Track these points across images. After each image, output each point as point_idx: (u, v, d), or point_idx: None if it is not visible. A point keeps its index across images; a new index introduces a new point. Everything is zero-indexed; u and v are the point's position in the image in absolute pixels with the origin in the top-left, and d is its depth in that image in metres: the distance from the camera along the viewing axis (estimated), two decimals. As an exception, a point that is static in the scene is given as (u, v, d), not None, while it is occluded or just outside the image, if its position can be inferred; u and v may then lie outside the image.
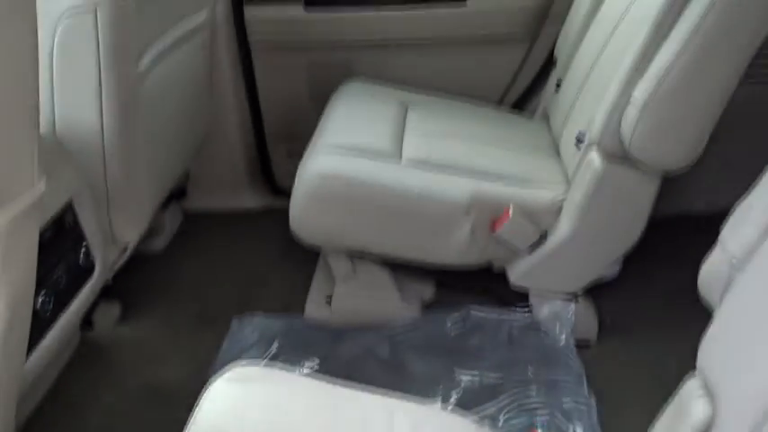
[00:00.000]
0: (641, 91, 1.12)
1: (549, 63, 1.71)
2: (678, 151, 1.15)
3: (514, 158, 1.43)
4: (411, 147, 1.39)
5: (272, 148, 1.87)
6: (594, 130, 1.22)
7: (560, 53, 1.62)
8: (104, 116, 1.14)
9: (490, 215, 1.28)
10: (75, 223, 1.12)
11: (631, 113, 1.13)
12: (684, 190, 1.51)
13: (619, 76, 1.18)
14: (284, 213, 1.35)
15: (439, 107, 1.62)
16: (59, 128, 1.14)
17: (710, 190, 1.79)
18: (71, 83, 1.12)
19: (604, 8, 1.46)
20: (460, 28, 1.70)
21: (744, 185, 1.81)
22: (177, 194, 1.77)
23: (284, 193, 1.80)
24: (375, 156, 1.33)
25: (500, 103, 1.79)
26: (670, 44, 1.09)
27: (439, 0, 1.67)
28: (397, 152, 1.37)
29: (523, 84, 1.78)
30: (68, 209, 1.10)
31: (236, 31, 1.70)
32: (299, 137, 1.61)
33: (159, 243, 1.68)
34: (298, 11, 1.69)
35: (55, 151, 1.11)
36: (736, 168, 1.74)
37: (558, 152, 1.47)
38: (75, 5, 1.06)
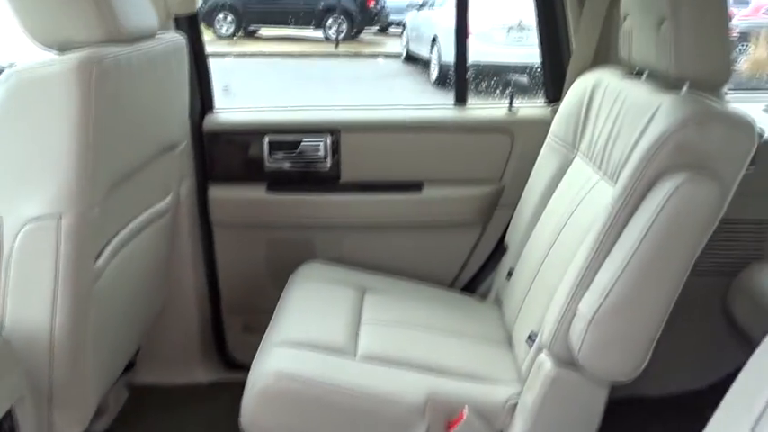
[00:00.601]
0: (586, 305, 1.17)
1: (501, 247, 1.79)
2: (626, 362, 1.19)
3: (470, 351, 1.45)
4: (367, 340, 1.40)
5: (228, 322, 1.86)
6: (545, 335, 1.26)
7: (511, 241, 1.70)
8: (57, 315, 1.13)
9: (445, 417, 1.27)
10: (12, 430, 1.07)
11: (578, 326, 1.18)
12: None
13: (565, 286, 1.23)
14: (236, 388, 1.32)
15: (395, 292, 1.66)
16: (8, 327, 1.12)
17: (663, 375, 1.84)
18: (26, 284, 1.11)
19: (552, 204, 1.55)
20: (416, 213, 1.79)
21: (695, 371, 1.88)
22: (124, 368, 1.72)
23: (238, 366, 1.78)
24: (330, 352, 1.34)
25: (453, 284, 1.85)
26: (612, 260, 1.16)
27: (396, 188, 1.77)
28: (353, 347, 1.38)
29: (475, 267, 1.85)
30: (8, 415, 1.05)
31: (199, 211, 1.75)
32: (256, 311, 1.62)
33: (101, 424, 1.60)
34: (260, 192, 1.76)
35: (1, 354, 1.09)
36: (688, 355, 1.82)
37: (510, 342, 1.50)
38: (40, 214, 1.08)
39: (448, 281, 1.85)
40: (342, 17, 9.55)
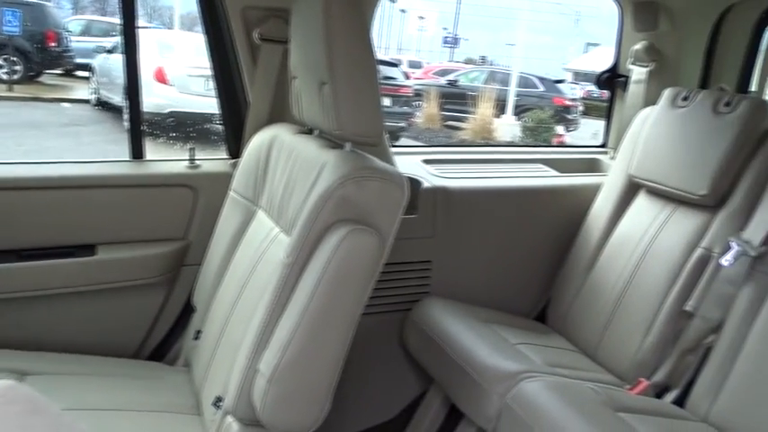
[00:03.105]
0: (266, 364, 1.16)
1: (189, 308, 1.71)
2: (309, 414, 1.20)
3: (152, 426, 1.34)
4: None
5: None
6: (229, 398, 1.22)
7: (198, 300, 1.63)
8: None
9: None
10: None
11: (260, 385, 1.16)
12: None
13: (246, 346, 1.21)
14: None
15: (65, 372, 1.46)
16: None
17: (354, 412, 1.93)
18: None
19: (236, 260, 1.53)
20: (89, 279, 1.61)
21: (383, 403, 1.99)
22: None
23: None
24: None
25: (138, 353, 1.70)
26: (289, 315, 1.17)
27: (62, 253, 1.58)
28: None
29: (163, 331, 1.73)
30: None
31: None
32: None
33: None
34: None
35: None
36: (376, 389, 1.94)
37: (199, 408, 1.43)
38: None
39: (132, 349, 1.69)
40: (15, 56, 8.49)
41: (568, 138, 10.52)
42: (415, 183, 1.84)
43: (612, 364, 1.73)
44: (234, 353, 1.28)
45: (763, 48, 2.00)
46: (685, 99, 1.81)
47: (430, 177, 1.90)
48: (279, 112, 1.74)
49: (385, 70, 9.23)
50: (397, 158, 1.92)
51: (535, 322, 1.99)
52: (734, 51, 2.03)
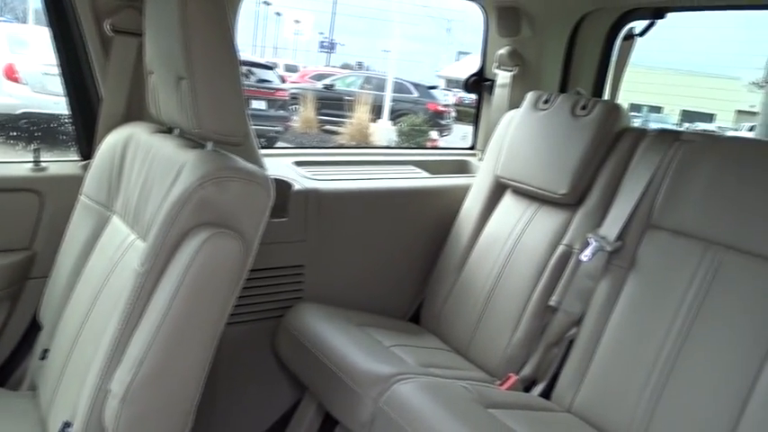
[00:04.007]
0: (118, 382, 1.06)
1: (36, 326, 1.55)
2: (167, 433, 1.11)
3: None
4: None
5: None
6: (77, 423, 1.10)
7: (45, 316, 1.48)
8: None
9: None
10: None
11: (112, 406, 1.06)
12: None
13: (96, 364, 1.10)
14: None
15: None
16: None
17: (228, 426, 1.84)
18: None
19: (87, 271, 1.40)
20: None
21: (257, 414, 1.91)
22: None
23: None
24: None
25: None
26: (143, 328, 1.08)
27: None
28: None
29: (4, 352, 1.55)
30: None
31: None
32: None
33: None
34: None
35: None
36: (249, 400, 1.86)
37: (46, 436, 1.29)
38: None
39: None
40: None
41: (442, 142, 10.85)
42: (285, 185, 1.79)
43: (484, 361, 1.76)
44: (84, 373, 1.16)
45: (614, 55, 2.13)
46: (546, 102, 1.89)
47: (301, 179, 1.85)
48: (136, 111, 1.62)
49: (260, 73, 9.06)
50: (267, 160, 1.85)
51: (409, 323, 1.99)
52: (589, 57, 2.15)
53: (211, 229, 1.09)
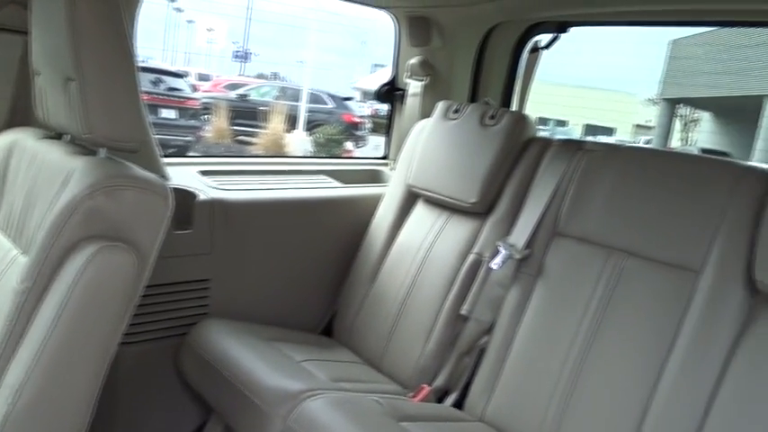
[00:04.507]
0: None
1: None
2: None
3: None
4: None
5: None
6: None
7: None
8: None
9: None
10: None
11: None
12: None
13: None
14: None
15: None
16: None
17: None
18: None
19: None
20: None
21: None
22: None
23: None
24: None
25: None
26: (22, 354, 0.98)
27: None
28: None
29: None
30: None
31: None
32: None
33: None
34: None
35: None
36: (153, 425, 1.75)
37: None
38: None
39: None
40: None
41: (357, 153, 10.86)
42: (189, 195, 1.70)
43: (397, 372, 1.74)
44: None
45: (522, 66, 2.18)
46: (456, 112, 1.90)
47: (207, 189, 1.77)
48: (22, 115, 1.50)
49: (170, 81, 8.77)
50: (170, 169, 1.77)
51: (321, 337, 1.94)
52: (498, 69, 2.19)
53: (101, 241, 1.01)
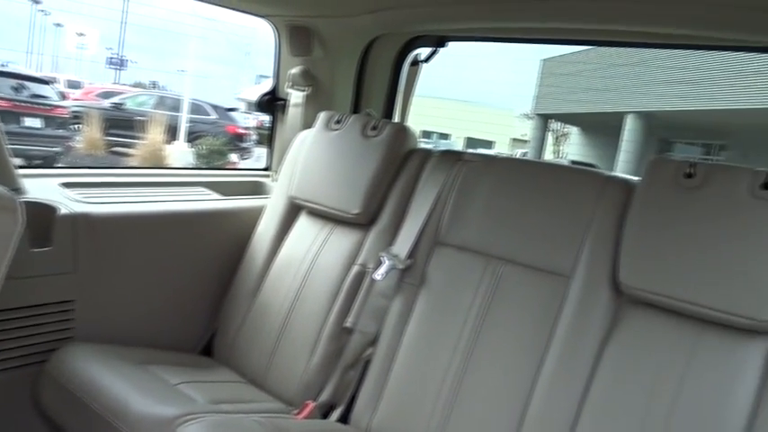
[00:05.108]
0: None
1: None
2: None
3: None
4: None
5: None
6: None
7: None
8: None
9: None
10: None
11: None
12: None
13: None
14: None
15: None
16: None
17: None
18: None
19: None
20: None
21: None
22: None
23: None
24: None
25: None
26: None
27: None
28: None
29: None
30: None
31: None
32: None
33: None
34: None
35: None
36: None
37: None
38: None
39: None
40: None
41: (242, 166, 10.62)
42: (47, 209, 1.56)
43: (280, 390, 1.68)
44: None
45: (403, 78, 2.20)
46: (338, 122, 1.88)
47: (69, 203, 1.63)
48: None
49: (35, 88, 8.15)
50: (29, 182, 1.62)
51: (201, 357, 1.85)
52: (380, 80, 2.20)
53: None
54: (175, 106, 11.82)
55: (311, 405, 1.58)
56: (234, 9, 2.03)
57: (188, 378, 1.59)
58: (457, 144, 28.67)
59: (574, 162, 15.90)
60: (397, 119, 2.23)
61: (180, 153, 10.73)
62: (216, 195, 2.05)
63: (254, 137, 12.21)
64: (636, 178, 1.50)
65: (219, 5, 1.99)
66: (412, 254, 1.63)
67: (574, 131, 21.94)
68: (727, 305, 1.24)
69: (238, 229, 1.96)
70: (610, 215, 1.45)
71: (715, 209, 1.30)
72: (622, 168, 14.81)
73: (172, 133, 10.97)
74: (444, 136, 31.50)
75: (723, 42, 1.71)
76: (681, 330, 1.30)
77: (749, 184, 1.29)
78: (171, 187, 1.99)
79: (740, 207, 1.28)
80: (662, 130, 15.68)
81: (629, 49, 13.79)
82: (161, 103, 12.13)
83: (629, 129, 15.68)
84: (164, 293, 1.81)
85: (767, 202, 1.26)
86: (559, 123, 22.96)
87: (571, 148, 21.79)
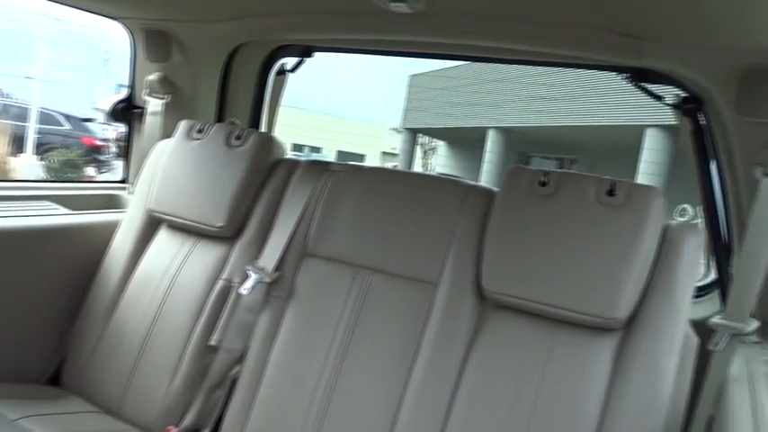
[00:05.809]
0: None
1: None
2: None
3: None
4: None
5: None
6: None
7: None
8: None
9: None
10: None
11: None
12: None
13: None
14: None
15: None
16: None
17: None
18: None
19: None
20: None
21: None
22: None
23: None
24: None
25: None
26: None
27: None
28: None
29: None
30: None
31: None
32: None
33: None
34: None
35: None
36: None
37: None
38: None
39: None
40: None
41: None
42: None
43: (139, 417, 1.57)
44: None
45: (269, 88, 2.15)
46: (200, 132, 1.80)
47: None
48: None
49: None
50: None
51: (47, 387, 1.68)
52: (245, 89, 2.14)
53: None
54: (22, 115, 10.89)
55: (173, 431, 1.49)
56: (82, 9, 1.89)
57: (31, 412, 1.44)
58: (329, 157, 28.79)
59: (441, 174, 16.47)
60: (263, 129, 2.18)
61: (27, 166, 9.88)
62: (64, 210, 1.88)
63: (114, 149, 11.51)
64: (496, 189, 1.56)
65: (67, 5, 1.84)
66: (279, 266, 1.59)
67: (441, 145, 22.76)
68: (578, 305, 1.32)
69: (90, 245, 1.82)
70: (472, 222, 1.49)
71: (566, 214, 1.38)
72: (486, 180, 15.54)
73: (18, 145, 10.08)
74: (316, 149, 31.51)
75: (577, 60, 1.80)
76: (539, 330, 1.36)
77: (596, 191, 1.37)
78: (9, 201, 1.80)
79: (588, 212, 1.37)
80: (520, 145, 16.64)
81: (498, 66, 14.49)
82: (4, 111, 11.13)
83: (491, 142, 16.50)
84: (2, 319, 1.63)
85: (611, 208, 1.35)
86: (428, 137, 23.73)
87: (439, 160, 22.57)
